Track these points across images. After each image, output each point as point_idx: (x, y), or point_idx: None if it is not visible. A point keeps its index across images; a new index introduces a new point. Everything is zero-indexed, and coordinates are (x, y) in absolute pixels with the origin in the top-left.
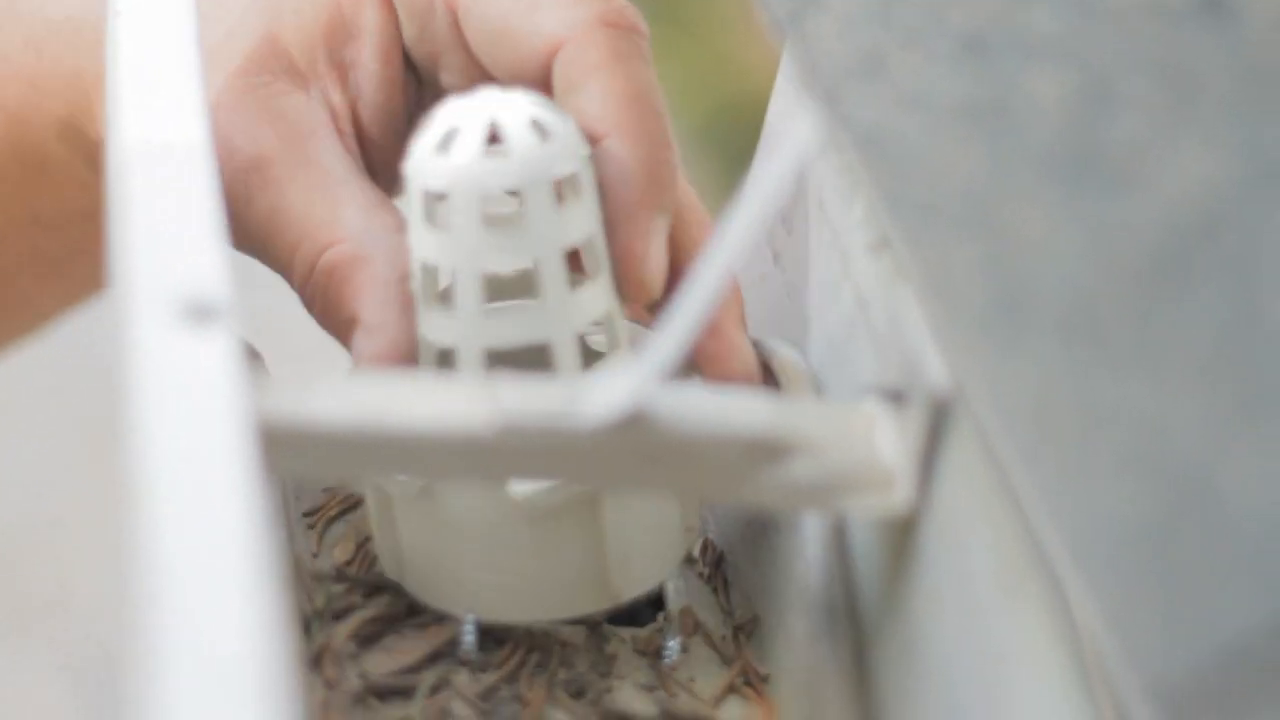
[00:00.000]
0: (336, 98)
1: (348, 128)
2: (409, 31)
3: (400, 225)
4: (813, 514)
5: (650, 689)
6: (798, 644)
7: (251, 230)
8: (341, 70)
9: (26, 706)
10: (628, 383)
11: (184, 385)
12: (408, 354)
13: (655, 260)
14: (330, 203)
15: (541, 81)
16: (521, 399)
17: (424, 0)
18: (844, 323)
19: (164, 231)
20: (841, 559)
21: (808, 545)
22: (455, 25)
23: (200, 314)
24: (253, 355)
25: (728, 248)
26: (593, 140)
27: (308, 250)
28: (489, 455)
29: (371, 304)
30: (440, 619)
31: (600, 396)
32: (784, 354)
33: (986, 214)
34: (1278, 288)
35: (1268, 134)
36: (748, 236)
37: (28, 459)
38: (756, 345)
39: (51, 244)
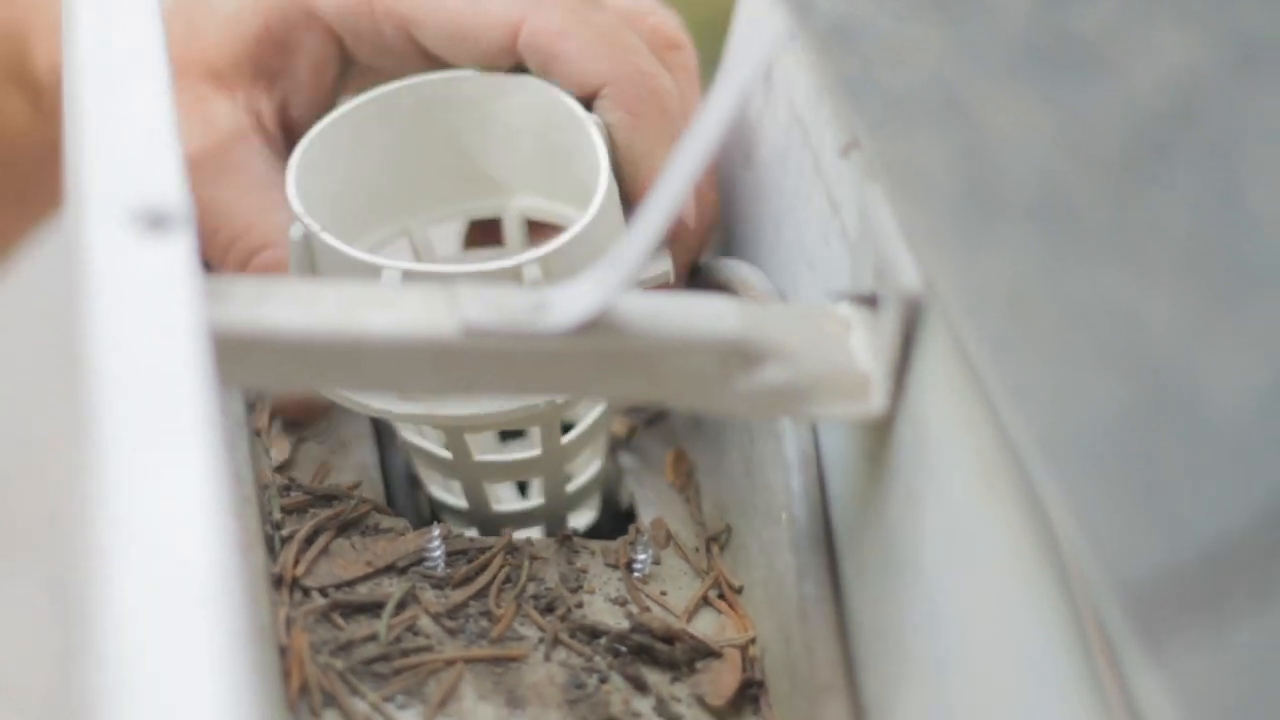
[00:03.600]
0: (263, 105)
1: (274, 130)
2: (361, 52)
3: None
4: (784, 421)
5: (621, 602)
6: (771, 554)
7: None
8: (269, 80)
9: (15, 625)
10: (594, 288)
11: (138, 294)
12: None
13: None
14: (260, 206)
15: (514, 65)
16: (486, 307)
17: (368, 24)
18: (816, 225)
19: (119, 141)
20: (814, 467)
21: (779, 451)
22: (409, 38)
23: (155, 222)
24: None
25: (695, 149)
26: (587, 97)
27: (241, 249)
28: (451, 364)
29: None
30: (404, 530)
31: (566, 302)
32: (744, 273)
33: (956, 103)
34: (1256, 173)
35: (1245, 16)
36: (715, 137)
37: (17, 381)
38: (713, 266)
39: (3, 178)
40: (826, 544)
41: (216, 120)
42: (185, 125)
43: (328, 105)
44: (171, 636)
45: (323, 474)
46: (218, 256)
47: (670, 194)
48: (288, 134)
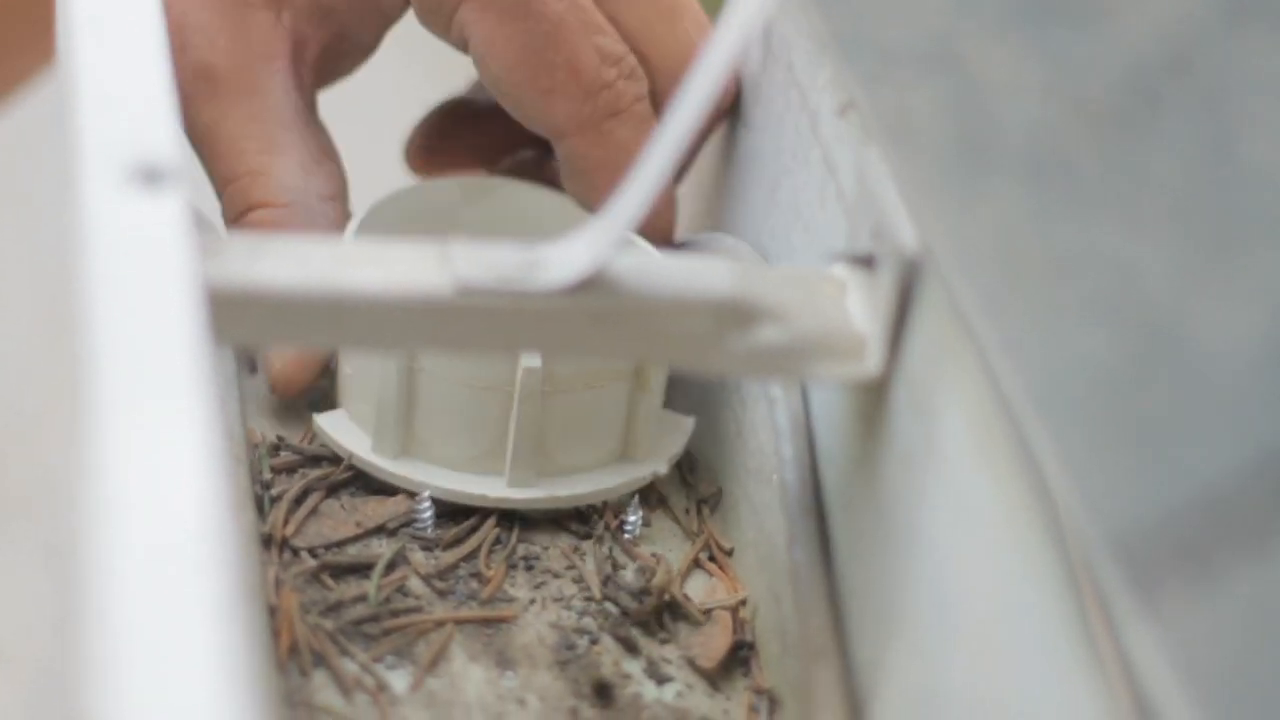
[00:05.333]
0: (306, 28)
1: (310, 59)
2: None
3: (335, 190)
4: (776, 383)
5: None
6: (762, 516)
7: (188, 135)
8: (323, 12)
9: (10, 592)
10: (588, 246)
11: (132, 250)
12: None
13: None
14: (268, 146)
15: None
16: (479, 264)
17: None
18: (813, 187)
19: (114, 95)
20: (805, 432)
21: (771, 416)
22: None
23: (149, 177)
24: (206, 222)
25: (688, 110)
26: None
27: (236, 195)
28: (445, 322)
29: None
30: (394, 491)
31: (560, 260)
32: (730, 244)
33: (948, 54)
34: (1249, 124)
35: None
36: (709, 98)
37: (6, 353)
38: (698, 240)
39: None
40: (817, 508)
41: (250, 33)
42: (216, 29)
43: (367, 52)
44: (165, 596)
45: (313, 434)
46: (214, 184)
47: (666, 150)
48: (321, 76)
